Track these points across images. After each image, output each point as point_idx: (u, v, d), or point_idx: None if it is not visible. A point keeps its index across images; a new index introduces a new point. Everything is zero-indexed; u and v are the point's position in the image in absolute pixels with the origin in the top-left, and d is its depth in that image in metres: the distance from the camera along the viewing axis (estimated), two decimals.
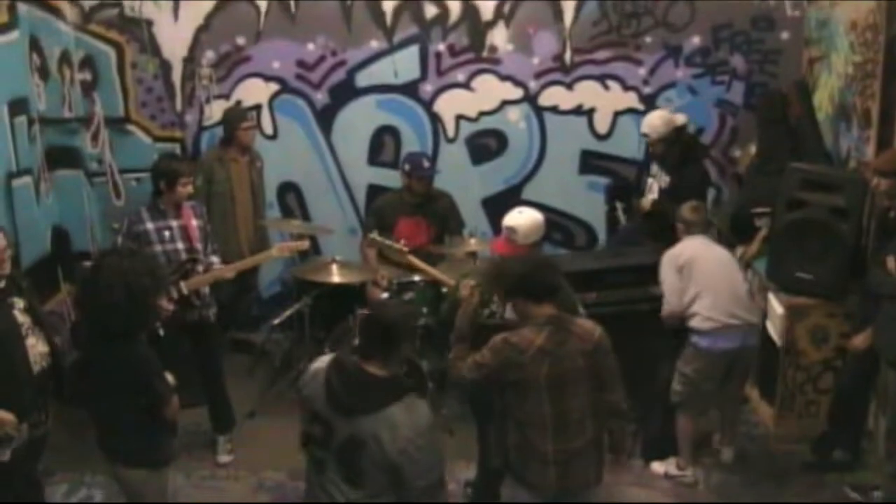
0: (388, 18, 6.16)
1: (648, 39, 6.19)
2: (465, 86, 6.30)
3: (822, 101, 5.74)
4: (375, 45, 6.21)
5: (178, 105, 6.29)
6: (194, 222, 4.72)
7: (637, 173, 6.29)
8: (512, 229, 4.09)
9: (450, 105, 6.34)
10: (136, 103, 6.25)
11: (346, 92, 6.30)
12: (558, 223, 6.48)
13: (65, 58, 5.93)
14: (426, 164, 5.70)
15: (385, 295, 5.23)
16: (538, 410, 3.25)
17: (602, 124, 6.37)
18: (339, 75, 6.27)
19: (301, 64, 6.24)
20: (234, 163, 5.79)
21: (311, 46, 6.20)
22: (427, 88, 6.30)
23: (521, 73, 6.28)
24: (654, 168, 5.81)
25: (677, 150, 5.65)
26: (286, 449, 4.24)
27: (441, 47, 6.23)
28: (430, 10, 6.16)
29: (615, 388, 3.35)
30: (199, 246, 4.68)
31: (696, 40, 6.18)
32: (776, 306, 4.98)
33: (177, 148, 6.31)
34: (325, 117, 6.36)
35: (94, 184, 6.29)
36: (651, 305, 5.00)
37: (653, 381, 4.81)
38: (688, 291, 4.47)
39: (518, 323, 3.39)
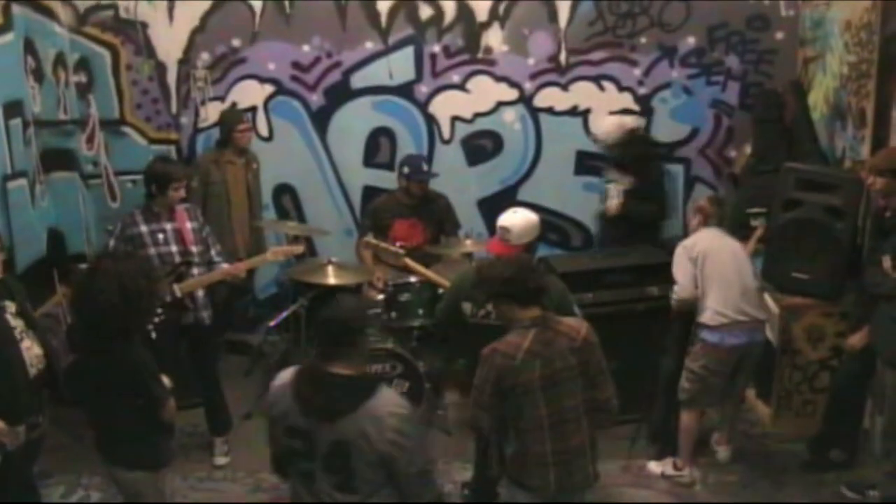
0: (383, 19, 6.15)
1: (643, 40, 6.18)
2: (461, 87, 6.29)
3: (817, 100, 5.74)
4: (370, 46, 6.20)
5: (174, 107, 6.28)
6: (188, 225, 4.70)
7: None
8: (506, 229, 4.04)
9: (445, 106, 6.33)
10: (131, 105, 6.25)
11: (341, 93, 6.29)
12: (554, 224, 6.46)
13: (60, 60, 5.93)
14: (425, 167, 5.72)
15: (381, 297, 5.23)
16: (535, 413, 3.23)
17: (597, 125, 6.36)
18: (335, 77, 6.26)
19: (296, 65, 6.23)
20: (230, 165, 5.79)
21: (306, 48, 6.19)
22: (422, 90, 6.29)
23: (517, 74, 6.26)
24: (613, 173, 5.88)
25: (634, 151, 5.79)
26: None
27: (436, 48, 6.22)
28: (425, 11, 6.15)
29: (605, 384, 3.31)
30: (193, 248, 4.67)
31: (691, 41, 6.17)
32: (772, 306, 4.98)
33: (172, 150, 6.31)
34: (321, 119, 6.35)
35: (90, 186, 6.28)
36: (648, 305, 5.02)
37: (654, 379, 4.82)
38: (699, 284, 4.47)
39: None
